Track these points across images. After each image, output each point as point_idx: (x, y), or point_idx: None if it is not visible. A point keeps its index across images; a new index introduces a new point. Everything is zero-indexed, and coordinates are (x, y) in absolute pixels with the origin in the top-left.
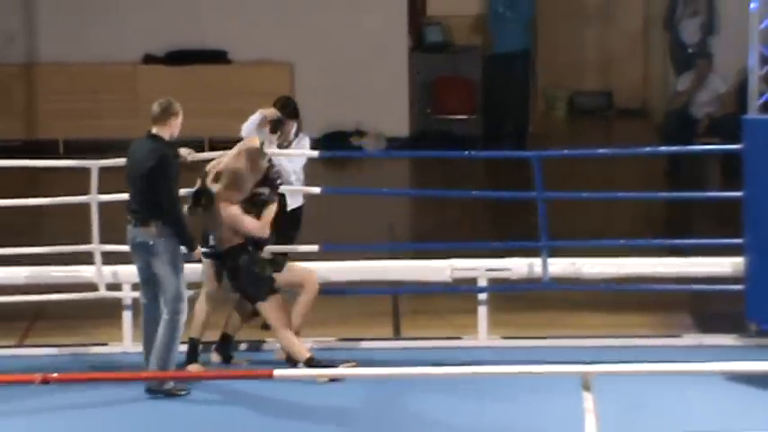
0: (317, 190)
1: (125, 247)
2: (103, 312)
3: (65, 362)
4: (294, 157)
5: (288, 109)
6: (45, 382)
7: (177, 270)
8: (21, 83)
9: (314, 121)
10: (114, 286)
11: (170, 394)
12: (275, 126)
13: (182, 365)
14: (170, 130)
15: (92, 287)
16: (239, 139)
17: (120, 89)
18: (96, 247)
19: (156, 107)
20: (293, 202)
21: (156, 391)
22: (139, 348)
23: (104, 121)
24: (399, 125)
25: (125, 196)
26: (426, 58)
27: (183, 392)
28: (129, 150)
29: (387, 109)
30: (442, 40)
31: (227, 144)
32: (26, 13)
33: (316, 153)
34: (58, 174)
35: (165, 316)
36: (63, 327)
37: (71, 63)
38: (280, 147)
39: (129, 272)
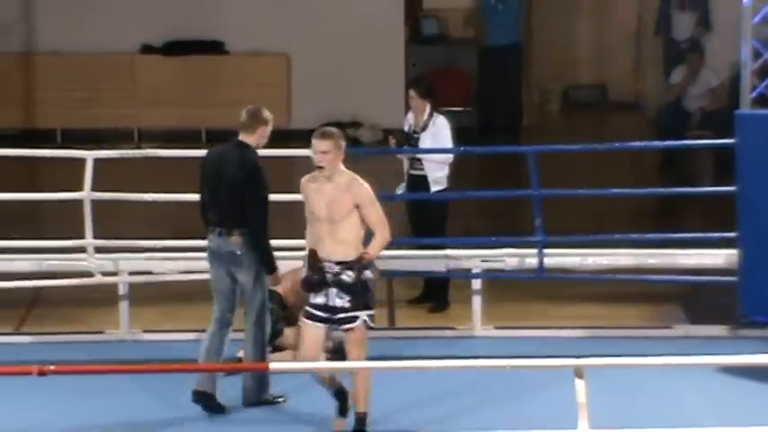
0: None
1: (118, 242)
2: (99, 301)
3: (60, 350)
4: (438, 138)
5: (419, 88)
6: (42, 374)
7: (262, 282)
8: (18, 72)
9: (310, 113)
10: (110, 275)
11: (268, 403)
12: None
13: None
14: (257, 139)
15: (88, 275)
16: (235, 131)
17: (118, 79)
18: (90, 242)
19: (244, 114)
20: (435, 185)
21: (257, 403)
22: (136, 336)
23: (102, 110)
24: (395, 117)
25: (118, 195)
26: (422, 50)
27: (280, 400)
28: (209, 156)
29: (383, 101)
30: (437, 32)
31: (224, 133)
32: (24, 2)
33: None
34: (55, 162)
35: (249, 330)
36: (59, 315)
37: (69, 52)
38: (415, 129)
39: (127, 262)
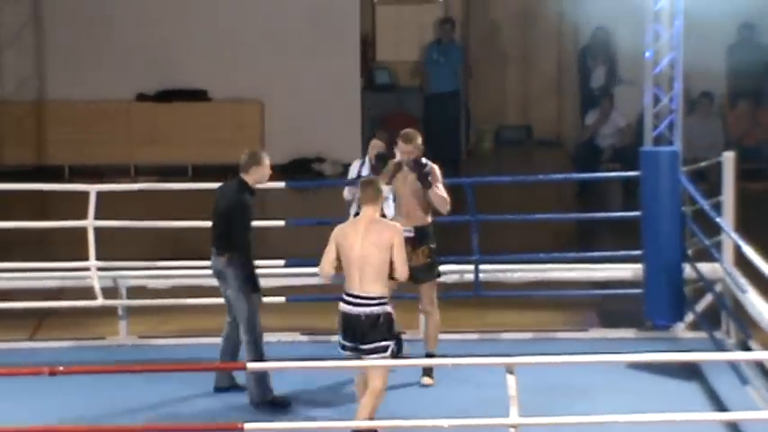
0: (281, 223)
1: (117, 263)
2: (101, 312)
3: (68, 353)
4: None
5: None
6: (53, 374)
7: (247, 295)
8: (32, 117)
9: (281, 150)
10: (112, 293)
11: (275, 404)
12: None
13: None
14: (253, 178)
15: (92, 294)
16: (219, 165)
17: (117, 123)
18: (93, 263)
19: (243, 155)
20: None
21: (261, 404)
22: (133, 341)
23: (104, 149)
24: (353, 153)
25: (120, 223)
26: (376, 96)
27: (286, 403)
28: (218, 188)
29: (343, 139)
30: (389, 81)
31: (208, 168)
32: (37, 58)
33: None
34: (63, 195)
35: (243, 338)
36: (67, 324)
37: (75, 101)
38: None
39: (124, 279)
